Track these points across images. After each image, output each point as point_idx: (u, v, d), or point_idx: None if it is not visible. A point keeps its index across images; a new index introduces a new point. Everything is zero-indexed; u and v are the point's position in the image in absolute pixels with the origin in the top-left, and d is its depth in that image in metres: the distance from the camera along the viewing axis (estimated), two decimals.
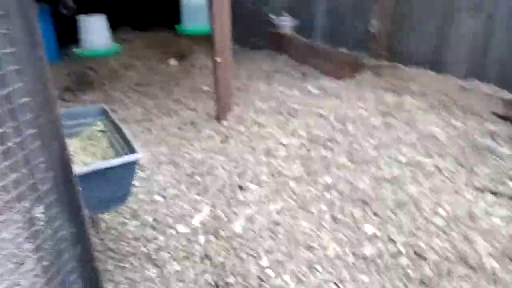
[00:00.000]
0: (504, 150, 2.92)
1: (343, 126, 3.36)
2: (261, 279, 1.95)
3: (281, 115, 3.61)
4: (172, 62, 5.28)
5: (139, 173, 2.75)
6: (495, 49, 3.37)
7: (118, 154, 2.60)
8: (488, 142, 3.01)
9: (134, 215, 2.37)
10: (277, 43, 5.57)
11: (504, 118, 3.22)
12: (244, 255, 2.09)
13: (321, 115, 3.56)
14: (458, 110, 3.39)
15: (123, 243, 2.16)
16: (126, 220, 2.33)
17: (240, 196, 2.54)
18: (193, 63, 5.21)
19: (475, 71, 3.54)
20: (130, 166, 2.31)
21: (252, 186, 2.63)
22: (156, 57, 5.47)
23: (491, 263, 2.01)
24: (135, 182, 2.62)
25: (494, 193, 2.49)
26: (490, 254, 2.05)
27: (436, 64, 3.80)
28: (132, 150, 2.35)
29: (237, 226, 2.29)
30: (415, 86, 3.79)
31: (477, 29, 3.48)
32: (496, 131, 3.13)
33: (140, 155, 2.31)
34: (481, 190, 2.51)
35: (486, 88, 3.47)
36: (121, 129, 2.61)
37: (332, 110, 3.64)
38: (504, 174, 2.66)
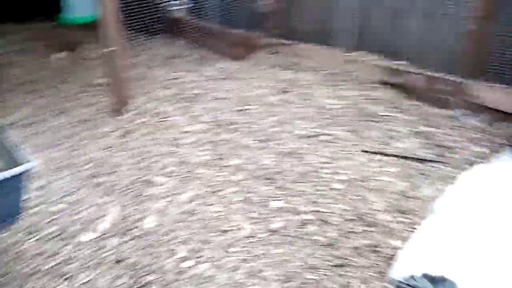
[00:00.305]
0: (388, 114, 3.22)
1: (245, 107, 3.42)
2: (180, 272, 1.94)
3: (183, 102, 3.56)
4: (59, 55, 4.86)
5: (34, 182, 2.53)
6: (374, 22, 3.65)
7: (6, 166, 2.35)
8: (375, 108, 3.29)
9: (34, 230, 2.18)
10: (171, 28, 5.40)
11: (386, 84, 3.54)
12: (159, 251, 2.06)
13: (223, 98, 3.58)
14: (347, 81, 3.64)
15: (23, 262, 1.98)
16: (24, 237, 2.14)
17: (149, 190, 2.48)
18: (82, 54, 4.85)
19: (360, 43, 3.81)
20: (18, 178, 2.12)
21: (160, 179, 2.57)
22: (39, 51, 4.98)
23: (385, 218, 2.24)
24: (31, 193, 2.41)
25: (383, 154, 2.75)
26: (384, 210, 2.28)
27: (325, 39, 4.01)
28: (19, 160, 2.15)
29: (149, 222, 2.24)
30: (308, 62, 3.98)
31: (358, 3, 3.73)
32: (381, 97, 3.44)
33: (29, 165, 2.12)
34: (372, 152, 2.76)
35: (370, 58, 3.76)
36: (4, 137, 2.37)
37: (233, 92, 3.68)
38: (390, 136, 2.95)
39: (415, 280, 1.12)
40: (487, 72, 3.06)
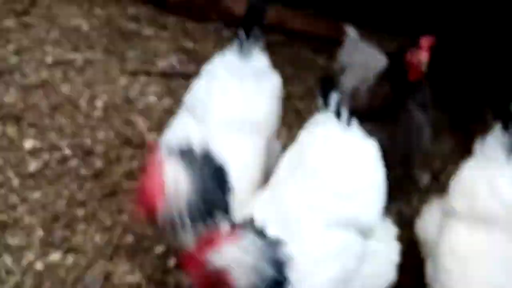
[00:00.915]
0: (148, 31, 3.26)
1: None
2: None
3: None
4: None
5: None
6: None
7: None
8: (133, 26, 3.27)
9: None
10: None
11: (144, 1, 3.51)
12: None
13: None
14: None
15: None
16: None
17: None
18: None
19: None
20: None
21: None
22: None
23: (153, 137, 2.37)
24: None
25: (146, 74, 2.82)
26: (149, 129, 2.40)
27: None
28: None
29: None
30: None
31: None
32: (138, 14, 3.41)
33: None
34: (133, 73, 2.79)
35: None
36: None
37: None
38: (152, 54, 3.01)
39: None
40: None
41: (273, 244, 1.18)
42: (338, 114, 1.51)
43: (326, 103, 1.52)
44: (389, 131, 1.83)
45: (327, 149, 1.47)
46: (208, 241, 1.14)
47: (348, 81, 2.04)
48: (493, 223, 1.49)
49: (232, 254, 1.12)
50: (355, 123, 1.55)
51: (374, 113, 1.82)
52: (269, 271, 1.14)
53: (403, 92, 1.80)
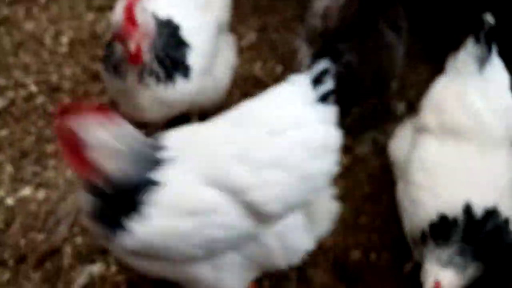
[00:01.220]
0: None
1: None
2: None
3: None
4: None
5: None
6: None
7: None
8: None
9: None
10: None
11: None
12: None
13: None
14: None
15: None
16: None
17: None
18: None
19: None
20: None
21: None
22: None
23: None
24: None
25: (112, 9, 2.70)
26: None
27: None
28: None
29: None
30: None
31: None
32: None
33: None
34: (101, 9, 2.68)
35: None
36: None
37: None
38: None
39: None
40: None
41: (154, 145, 1.21)
42: (315, 83, 1.29)
43: (310, 66, 1.34)
44: (360, 51, 1.79)
45: (273, 109, 1.30)
46: (85, 109, 1.13)
47: (321, 2, 1.97)
48: (462, 136, 1.51)
49: (100, 134, 1.11)
50: (330, 106, 1.30)
51: (345, 32, 1.77)
52: (142, 166, 1.16)
53: (372, 9, 1.75)
